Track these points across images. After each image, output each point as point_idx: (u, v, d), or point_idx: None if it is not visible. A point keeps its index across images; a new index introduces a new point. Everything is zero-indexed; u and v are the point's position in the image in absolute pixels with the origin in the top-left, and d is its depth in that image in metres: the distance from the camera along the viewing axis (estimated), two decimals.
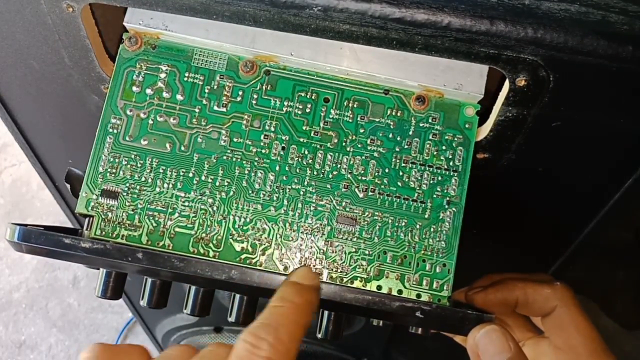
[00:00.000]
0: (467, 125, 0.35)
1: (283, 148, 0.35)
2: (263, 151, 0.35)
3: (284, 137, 0.35)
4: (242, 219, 0.34)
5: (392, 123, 0.35)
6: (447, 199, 0.35)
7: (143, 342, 1.24)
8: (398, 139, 0.35)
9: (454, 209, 0.34)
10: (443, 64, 0.34)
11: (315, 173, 0.35)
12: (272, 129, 0.35)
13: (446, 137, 0.35)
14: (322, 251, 0.34)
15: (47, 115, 0.45)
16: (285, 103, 0.35)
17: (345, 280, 0.34)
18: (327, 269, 0.34)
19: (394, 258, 0.34)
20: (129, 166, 0.35)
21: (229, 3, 0.30)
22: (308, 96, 0.35)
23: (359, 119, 0.35)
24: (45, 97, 0.43)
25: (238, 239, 0.34)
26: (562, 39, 0.29)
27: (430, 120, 0.35)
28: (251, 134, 0.35)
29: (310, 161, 0.35)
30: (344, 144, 0.35)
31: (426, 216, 0.34)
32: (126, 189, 0.34)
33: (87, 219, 0.34)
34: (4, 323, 1.23)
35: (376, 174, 0.35)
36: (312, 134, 0.35)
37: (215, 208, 0.34)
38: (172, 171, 0.35)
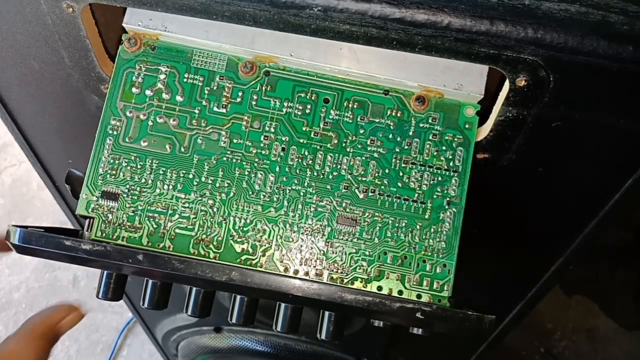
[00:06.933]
0: (467, 126, 0.35)
1: (283, 149, 0.35)
2: (263, 152, 0.35)
3: (284, 138, 0.35)
4: (243, 220, 0.34)
5: (392, 123, 0.35)
6: (447, 199, 0.34)
7: (143, 342, 1.24)
8: (398, 139, 0.35)
9: (454, 209, 0.34)
10: (443, 64, 0.34)
11: (315, 174, 0.35)
12: (272, 129, 0.35)
13: (446, 138, 0.35)
14: (322, 252, 0.34)
15: (47, 115, 0.45)
16: (285, 104, 0.35)
17: (345, 281, 0.34)
18: (328, 269, 0.34)
19: (395, 259, 0.34)
20: (129, 168, 0.35)
21: (229, 3, 0.30)
22: (308, 97, 0.35)
23: (359, 119, 0.35)
24: (45, 97, 0.43)
25: (238, 240, 0.34)
26: (562, 39, 0.29)
27: (430, 121, 0.35)
28: (251, 135, 0.35)
29: (310, 162, 0.35)
30: (344, 144, 0.35)
31: (426, 217, 0.34)
32: (126, 190, 0.34)
33: (87, 221, 0.34)
34: (4, 323, 1.23)
35: (376, 174, 0.35)
36: (312, 135, 0.35)
37: (215, 209, 0.34)
38: (172, 172, 0.35)
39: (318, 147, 0.35)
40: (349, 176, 0.35)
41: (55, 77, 0.39)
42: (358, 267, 0.34)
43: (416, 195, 0.35)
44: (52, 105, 0.44)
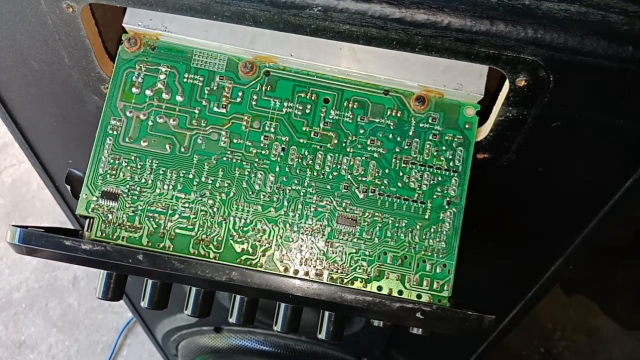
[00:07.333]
0: (467, 126, 0.35)
1: (283, 149, 0.35)
2: (263, 152, 0.35)
3: (284, 138, 0.35)
4: (243, 220, 0.34)
5: (392, 123, 0.35)
6: (447, 199, 0.34)
7: (143, 342, 1.24)
8: (398, 139, 0.35)
9: (454, 209, 0.34)
10: (443, 64, 0.34)
11: (315, 174, 0.35)
12: (272, 130, 0.35)
13: (446, 138, 0.35)
14: (322, 252, 0.34)
15: (47, 115, 0.45)
16: (285, 104, 0.35)
17: (345, 281, 0.34)
18: (328, 269, 0.34)
19: (395, 259, 0.34)
20: (129, 168, 0.35)
21: (229, 3, 0.30)
22: (308, 97, 0.35)
23: (359, 119, 0.35)
24: (45, 97, 0.43)
25: (238, 240, 0.34)
26: (562, 39, 0.29)
27: (430, 121, 0.35)
28: (251, 135, 0.35)
29: (310, 162, 0.35)
30: (344, 144, 0.35)
31: (426, 217, 0.34)
32: (126, 190, 0.34)
33: (87, 221, 0.34)
34: (4, 323, 1.23)
35: (376, 174, 0.35)
36: (312, 135, 0.35)
37: (215, 209, 0.34)
38: (172, 172, 0.35)
39: (318, 147, 0.35)
40: (349, 176, 0.35)
41: (55, 77, 0.39)
42: (358, 267, 0.34)
43: (416, 195, 0.35)
44: (52, 105, 0.44)
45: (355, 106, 0.35)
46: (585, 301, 1.12)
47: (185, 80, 0.35)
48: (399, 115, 0.35)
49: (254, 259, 0.34)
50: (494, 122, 0.34)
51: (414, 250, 0.34)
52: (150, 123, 0.35)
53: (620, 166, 0.36)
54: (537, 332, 1.14)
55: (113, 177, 0.34)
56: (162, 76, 0.35)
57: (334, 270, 0.34)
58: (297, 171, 0.35)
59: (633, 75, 0.30)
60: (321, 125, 0.35)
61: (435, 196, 0.35)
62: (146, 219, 0.34)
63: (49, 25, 0.35)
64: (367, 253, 0.34)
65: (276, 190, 0.35)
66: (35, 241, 0.30)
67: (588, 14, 0.28)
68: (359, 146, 0.35)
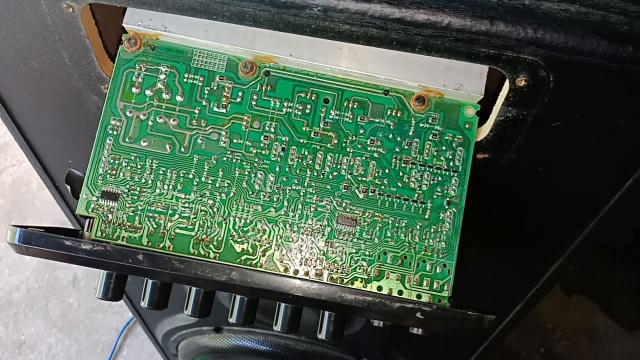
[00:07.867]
0: (467, 126, 0.35)
1: (283, 149, 0.35)
2: (263, 152, 0.35)
3: (283, 138, 0.35)
4: (243, 220, 0.34)
5: (392, 123, 0.35)
6: (447, 199, 0.34)
7: (143, 342, 1.24)
8: (398, 139, 0.35)
9: (454, 209, 0.34)
10: (443, 64, 0.34)
11: (315, 174, 0.35)
12: (272, 130, 0.35)
13: (446, 138, 0.35)
14: (322, 252, 0.34)
15: (47, 115, 0.45)
16: (285, 104, 0.35)
17: (345, 281, 0.34)
18: (328, 269, 0.34)
19: (395, 259, 0.34)
20: (129, 168, 0.35)
21: (229, 3, 0.30)
22: (308, 97, 0.35)
23: (359, 119, 0.35)
24: (45, 97, 0.43)
25: (238, 240, 0.34)
26: (562, 39, 0.29)
27: (430, 121, 0.35)
28: (251, 135, 0.35)
29: (310, 162, 0.35)
30: (344, 144, 0.35)
31: (426, 217, 0.34)
32: (126, 190, 0.34)
33: (87, 221, 0.34)
34: (4, 323, 1.23)
35: (376, 174, 0.35)
36: (312, 135, 0.35)
37: (215, 209, 0.34)
38: (172, 172, 0.35)
39: (318, 147, 0.35)
40: (349, 176, 0.35)
41: (55, 77, 0.39)
42: (358, 267, 0.34)
43: (416, 195, 0.35)
44: (52, 105, 0.44)
45: (355, 106, 0.35)
46: (585, 301, 1.12)
47: (185, 80, 0.35)
48: (399, 115, 0.35)
49: (254, 259, 0.34)
50: (494, 122, 0.34)
51: (414, 250, 0.34)
52: (150, 123, 0.35)
53: (621, 166, 0.36)
54: (537, 332, 1.14)
55: (113, 177, 0.34)
56: (162, 76, 0.35)
57: (334, 270, 0.34)
58: (297, 171, 0.35)
59: (633, 75, 0.30)
60: (321, 125, 0.35)
61: (435, 196, 0.35)
62: (146, 219, 0.34)
63: (49, 25, 0.35)
64: (367, 253, 0.34)
65: (276, 190, 0.35)
66: (35, 241, 0.30)
67: (588, 14, 0.28)
68: (359, 146, 0.35)
